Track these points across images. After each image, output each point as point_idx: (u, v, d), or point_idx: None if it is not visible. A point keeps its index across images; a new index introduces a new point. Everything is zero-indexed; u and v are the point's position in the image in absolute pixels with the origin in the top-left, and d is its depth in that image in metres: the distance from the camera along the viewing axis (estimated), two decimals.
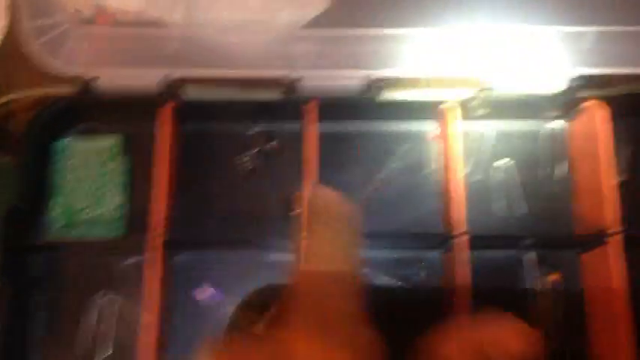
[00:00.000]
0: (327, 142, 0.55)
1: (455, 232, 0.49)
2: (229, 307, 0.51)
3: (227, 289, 0.52)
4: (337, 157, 0.55)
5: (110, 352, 0.50)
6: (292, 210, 0.53)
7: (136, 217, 0.52)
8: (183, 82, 0.51)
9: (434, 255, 0.54)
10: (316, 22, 0.55)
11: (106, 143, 0.54)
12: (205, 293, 0.51)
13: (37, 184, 0.53)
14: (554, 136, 0.57)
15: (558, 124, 0.57)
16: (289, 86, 0.52)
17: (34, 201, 0.52)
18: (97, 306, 0.51)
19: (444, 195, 0.53)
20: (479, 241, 0.50)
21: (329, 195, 0.40)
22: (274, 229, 0.53)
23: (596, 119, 0.52)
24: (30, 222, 0.52)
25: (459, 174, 0.50)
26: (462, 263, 0.48)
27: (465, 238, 0.49)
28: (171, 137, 0.50)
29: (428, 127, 0.56)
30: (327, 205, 0.39)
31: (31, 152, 0.52)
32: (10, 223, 0.48)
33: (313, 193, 0.41)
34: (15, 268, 0.50)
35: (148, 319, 0.46)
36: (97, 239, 0.51)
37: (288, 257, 0.51)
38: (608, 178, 0.50)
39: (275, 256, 0.52)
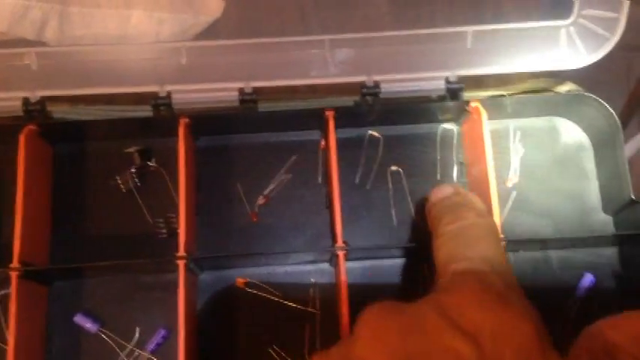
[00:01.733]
0: (208, 157, 0.54)
1: (336, 245, 0.48)
2: (108, 332, 0.49)
3: (105, 314, 0.50)
4: (220, 172, 0.54)
5: None
6: (172, 230, 0.51)
7: (4, 247, 0.50)
8: (45, 102, 0.49)
9: (325, 267, 0.52)
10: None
11: None
12: (83, 320, 0.49)
13: None
14: (446, 140, 0.56)
15: (450, 128, 0.56)
16: (164, 101, 0.50)
17: None
18: None
19: (329, 207, 0.52)
20: (355, 254, 0.48)
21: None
22: (153, 250, 0.51)
23: (479, 121, 0.51)
24: None
25: (337, 184, 0.49)
26: (341, 275, 0.47)
27: (342, 252, 0.47)
28: (32, 161, 0.48)
29: (315, 136, 0.55)
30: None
31: None
32: None
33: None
34: None
35: (11, 351, 0.44)
36: None
37: (164, 278, 0.51)
38: (492, 180, 0.49)
39: (152, 278, 0.51)
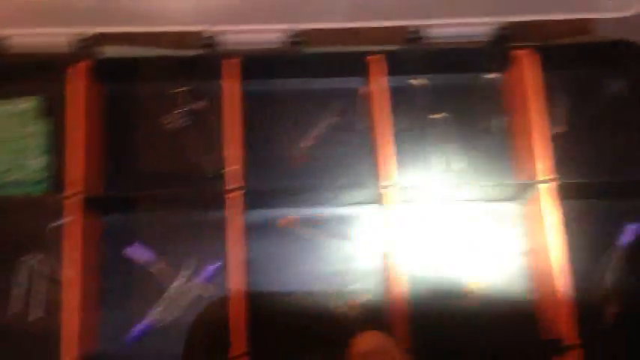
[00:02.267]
0: (253, 100, 0.54)
1: (384, 184, 0.48)
2: (159, 265, 0.50)
3: (156, 248, 0.50)
4: (264, 116, 0.54)
5: (42, 313, 0.49)
6: (218, 169, 0.52)
7: (60, 179, 0.50)
8: (97, 39, 0.49)
9: (370, 210, 0.53)
10: None
11: (25, 105, 0.52)
12: (136, 252, 0.50)
13: None
14: (490, 89, 0.56)
15: (493, 76, 0.56)
16: (209, 41, 0.51)
17: None
18: (27, 267, 0.49)
19: (375, 151, 0.52)
20: (404, 193, 0.49)
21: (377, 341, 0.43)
22: (201, 188, 0.51)
23: (527, 69, 0.51)
24: None
25: (388, 128, 0.49)
26: (391, 214, 0.47)
27: (394, 189, 0.48)
28: (85, 95, 0.48)
29: (357, 83, 0.55)
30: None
31: None
32: None
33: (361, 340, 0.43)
34: None
35: (70, 278, 0.45)
36: (21, 197, 0.50)
37: (214, 215, 0.51)
38: (539, 128, 0.49)
39: (202, 214, 0.51)
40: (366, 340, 0.44)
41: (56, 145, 0.52)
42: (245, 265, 0.48)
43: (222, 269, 0.50)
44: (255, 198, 0.50)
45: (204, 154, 0.52)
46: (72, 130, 0.47)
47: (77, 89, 0.48)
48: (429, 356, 0.45)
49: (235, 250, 0.46)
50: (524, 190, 0.51)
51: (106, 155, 0.52)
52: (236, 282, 0.46)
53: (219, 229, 0.50)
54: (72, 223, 0.45)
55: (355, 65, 0.53)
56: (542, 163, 0.49)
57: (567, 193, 0.52)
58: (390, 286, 0.47)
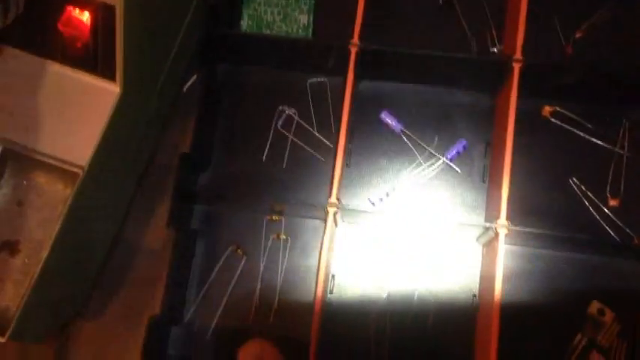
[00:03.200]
0: None
1: None
2: (404, 134, 0.50)
3: (406, 118, 0.51)
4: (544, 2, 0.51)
5: (285, 164, 0.51)
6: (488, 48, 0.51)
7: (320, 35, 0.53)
8: None
9: None
10: None
11: None
12: (388, 118, 0.50)
13: None
14: None
15: None
16: None
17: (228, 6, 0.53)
18: (278, 118, 0.52)
19: None
20: None
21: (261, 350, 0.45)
22: (461, 68, 0.49)
23: None
24: (225, 21, 0.53)
25: None
26: None
27: None
28: None
29: None
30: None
31: None
32: (211, 16, 0.50)
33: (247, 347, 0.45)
34: (209, 59, 0.51)
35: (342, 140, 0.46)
36: (286, 37, 0.52)
37: (474, 97, 0.50)
38: None
39: (457, 96, 0.51)
40: (247, 351, 0.45)
41: (320, 6, 0.53)
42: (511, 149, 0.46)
43: (467, 149, 0.50)
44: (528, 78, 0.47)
45: (473, 31, 0.52)
46: None
47: None
48: None
49: (504, 134, 0.45)
50: None
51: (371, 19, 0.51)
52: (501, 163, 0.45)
53: (475, 110, 0.50)
54: (347, 78, 0.46)
55: None
56: None
57: None
58: None
